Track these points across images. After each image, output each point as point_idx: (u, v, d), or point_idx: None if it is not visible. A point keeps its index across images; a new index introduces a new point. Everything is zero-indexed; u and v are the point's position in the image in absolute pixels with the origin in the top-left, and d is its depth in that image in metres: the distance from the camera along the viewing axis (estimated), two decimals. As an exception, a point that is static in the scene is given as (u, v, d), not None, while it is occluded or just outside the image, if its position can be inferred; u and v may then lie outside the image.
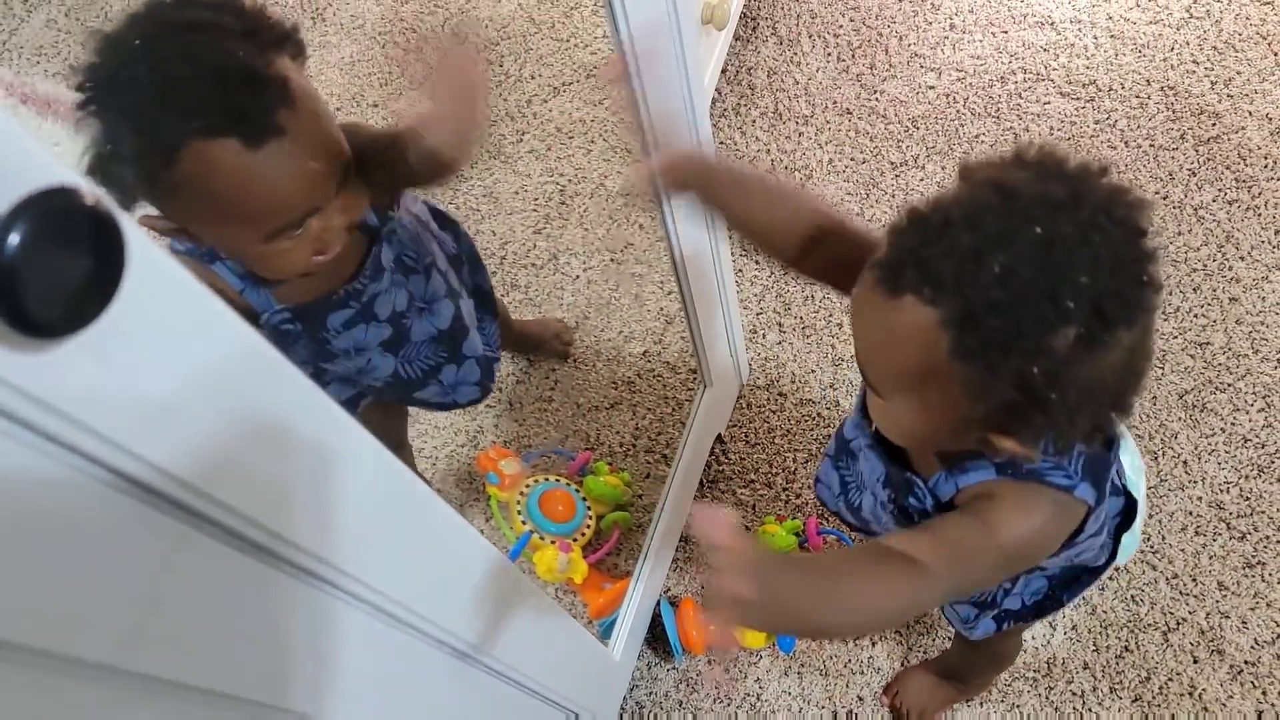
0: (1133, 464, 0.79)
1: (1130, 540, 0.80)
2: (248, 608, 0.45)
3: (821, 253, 0.74)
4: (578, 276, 1.50)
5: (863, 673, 1.23)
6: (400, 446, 1.22)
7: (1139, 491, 0.79)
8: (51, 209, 0.27)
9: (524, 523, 1.20)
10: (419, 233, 0.94)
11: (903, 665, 1.23)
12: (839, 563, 0.64)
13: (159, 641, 0.40)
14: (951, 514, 0.66)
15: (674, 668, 1.26)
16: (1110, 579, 1.24)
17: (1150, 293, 0.55)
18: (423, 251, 0.94)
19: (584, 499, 1.26)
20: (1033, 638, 1.22)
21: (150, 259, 0.32)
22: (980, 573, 0.65)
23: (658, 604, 1.26)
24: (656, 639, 1.27)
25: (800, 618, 0.59)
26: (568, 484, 1.27)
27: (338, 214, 0.76)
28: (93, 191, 0.28)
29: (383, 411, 1.11)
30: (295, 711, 0.50)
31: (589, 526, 1.24)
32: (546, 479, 1.26)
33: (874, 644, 1.25)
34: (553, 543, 1.18)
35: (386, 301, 0.91)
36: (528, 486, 1.23)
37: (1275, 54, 1.59)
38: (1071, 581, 0.81)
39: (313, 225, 0.74)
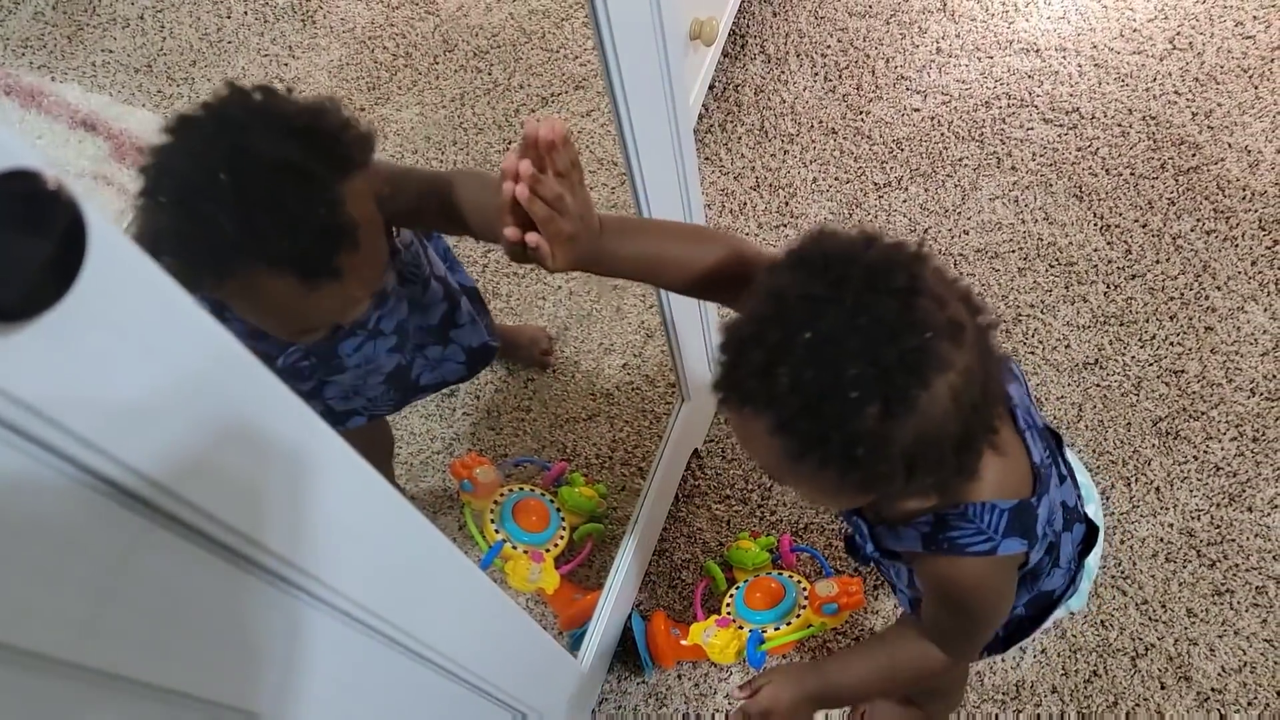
0: (1088, 494, 0.81)
1: (1085, 580, 0.82)
2: (216, 610, 0.44)
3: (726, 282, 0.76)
4: (559, 287, 1.50)
5: (832, 691, 1.23)
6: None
7: (1092, 492, 0.83)
8: (12, 191, 0.27)
9: (497, 531, 1.19)
10: (415, 245, 0.94)
11: (872, 685, 1.23)
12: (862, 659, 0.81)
13: (121, 638, 0.39)
14: (930, 606, 0.74)
15: (643, 681, 1.26)
16: (1081, 603, 1.24)
17: (939, 346, 0.57)
18: (420, 263, 0.94)
19: (558, 510, 1.26)
20: (1003, 660, 1.22)
21: (114, 248, 0.31)
22: (970, 630, 0.75)
23: (629, 617, 1.25)
24: (627, 653, 1.27)
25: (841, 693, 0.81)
26: (542, 494, 1.26)
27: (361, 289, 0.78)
28: (55, 176, 0.28)
29: (367, 441, 1.12)
30: (260, 715, 0.50)
31: (562, 537, 1.24)
32: (521, 488, 1.26)
33: (844, 663, 1.24)
34: (525, 552, 1.17)
35: (392, 318, 0.92)
36: (502, 495, 1.23)
37: (1256, 88, 1.61)
38: (1041, 612, 0.82)
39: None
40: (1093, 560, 0.83)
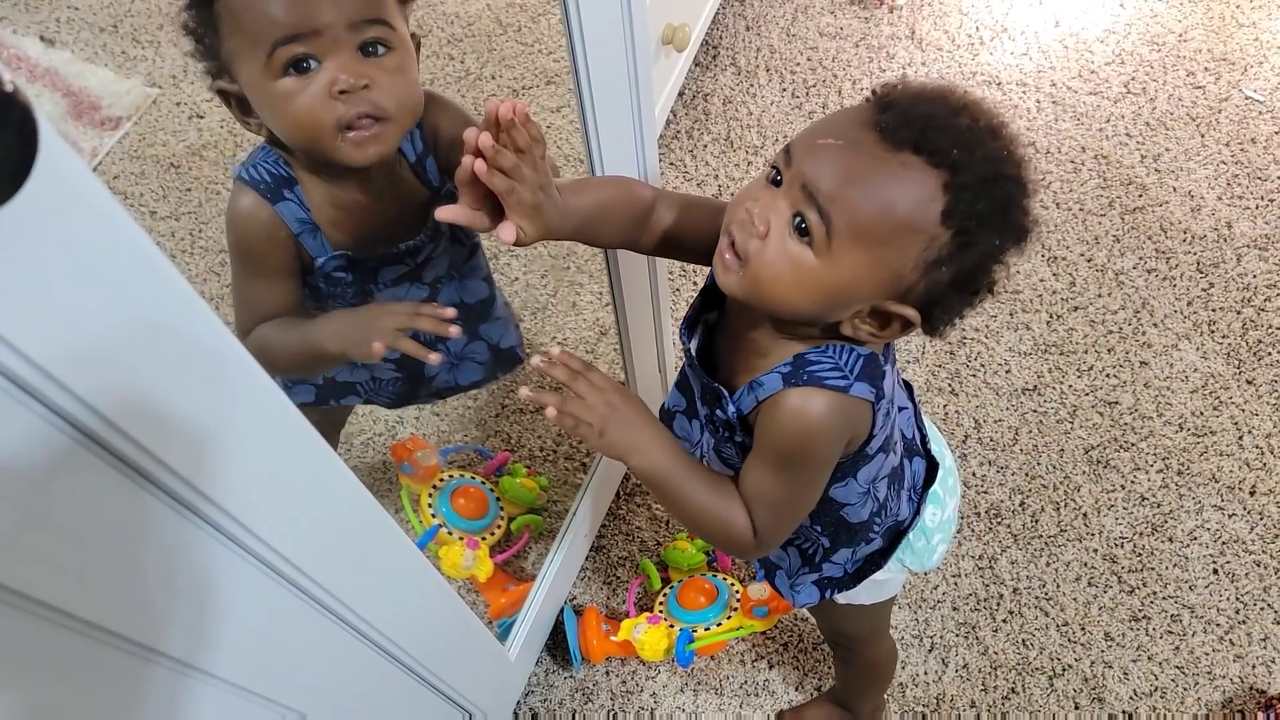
0: (934, 434, 0.86)
1: (931, 536, 0.85)
2: (112, 525, 0.43)
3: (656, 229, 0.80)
4: (516, 278, 1.50)
5: (757, 695, 1.24)
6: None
7: (944, 460, 0.85)
8: None
9: (433, 516, 1.19)
10: None
11: (796, 689, 1.24)
12: (699, 471, 0.74)
13: (13, 547, 0.38)
14: (754, 465, 0.72)
15: (571, 676, 1.26)
16: (1004, 621, 1.27)
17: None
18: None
19: (498, 499, 1.26)
20: (925, 673, 1.24)
21: (61, 157, 0.31)
22: (786, 497, 0.72)
23: (561, 611, 1.26)
24: (556, 646, 1.27)
25: (653, 472, 0.71)
26: (482, 482, 1.26)
27: (357, 68, 0.73)
28: (10, 80, 0.28)
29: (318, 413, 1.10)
30: (172, 657, 0.49)
31: (499, 527, 1.23)
32: (462, 475, 1.25)
33: (771, 667, 1.26)
34: (460, 539, 1.17)
35: (433, 268, 0.91)
36: (441, 480, 1.22)
37: (1202, 136, 1.67)
38: (891, 543, 0.84)
39: (324, 70, 0.72)
40: (935, 522, 0.84)
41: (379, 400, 1.03)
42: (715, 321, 0.80)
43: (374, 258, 0.87)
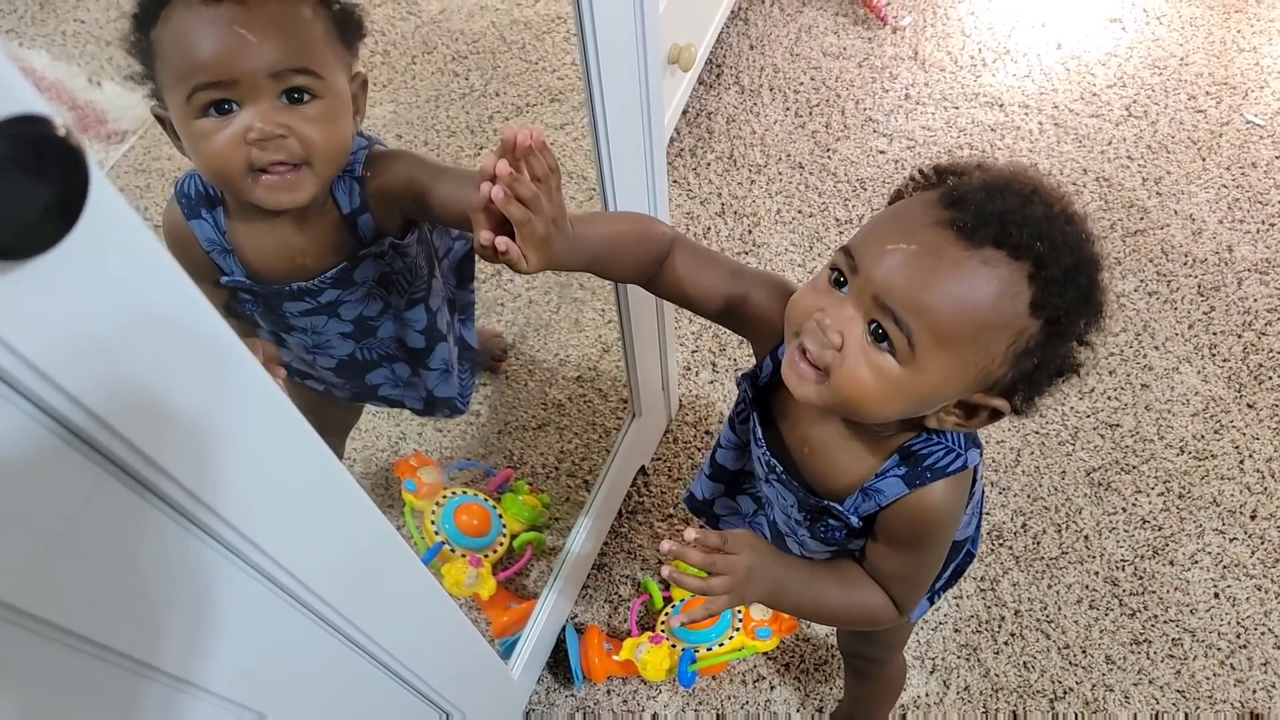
0: None
1: None
2: (111, 534, 0.42)
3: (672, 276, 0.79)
4: (519, 295, 1.50)
5: (759, 716, 1.24)
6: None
7: None
8: (21, 135, 0.27)
9: (436, 533, 1.18)
10: (419, 265, 0.93)
11: (798, 711, 1.24)
12: (825, 577, 0.75)
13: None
14: (883, 553, 0.74)
15: (572, 694, 1.25)
16: (1005, 643, 1.27)
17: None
18: (417, 283, 0.93)
19: (500, 516, 1.26)
20: (926, 694, 1.24)
21: (109, 198, 0.32)
22: (924, 569, 0.75)
23: (563, 629, 1.25)
24: (558, 664, 1.26)
25: (789, 601, 0.73)
26: (485, 499, 1.26)
27: (276, 116, 0.73)
28: (64, 123, 0.28)
29: (325, 406, 1.11)
30: (166, 672, 0.49)
31: (501, 544, 1.23)
32: (464, 491, 1.25)
33: (773, 688, 1.26)
34: (463, 556, 1.17)
35: (355, 308, 0.91)
36: (444, 497, 1.22)
37: (1204, 159, 1.68)
38: (974, 534, 0.86)
39: (241, 116, 0.72)
40: None
41: (336, 396, 1.07)
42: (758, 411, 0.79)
43: (269, 292, 0.87)
